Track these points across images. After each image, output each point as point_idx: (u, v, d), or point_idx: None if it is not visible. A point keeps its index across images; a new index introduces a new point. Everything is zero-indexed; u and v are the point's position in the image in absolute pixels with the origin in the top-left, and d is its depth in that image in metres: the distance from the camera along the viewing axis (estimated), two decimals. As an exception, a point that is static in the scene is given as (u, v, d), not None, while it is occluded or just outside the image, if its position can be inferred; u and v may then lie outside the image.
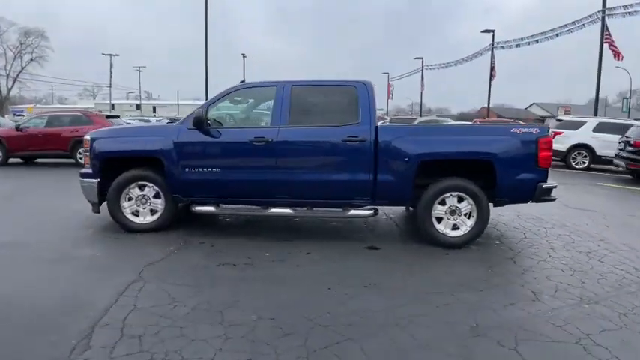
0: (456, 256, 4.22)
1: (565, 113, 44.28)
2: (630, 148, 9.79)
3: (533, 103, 59.96)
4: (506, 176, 4.25)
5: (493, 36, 24.88)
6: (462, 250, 4.39)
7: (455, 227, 4.44)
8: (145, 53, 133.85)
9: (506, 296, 3.31)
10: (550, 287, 3.49)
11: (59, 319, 2.78)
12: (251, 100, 4.97)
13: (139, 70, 55.00)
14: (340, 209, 4.62)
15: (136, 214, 4.82)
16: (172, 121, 21.91)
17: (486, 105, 60.87)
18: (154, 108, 60.24)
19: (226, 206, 4.76)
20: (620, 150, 10.15)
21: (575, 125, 12.75)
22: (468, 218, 4.41)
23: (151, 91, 72.25)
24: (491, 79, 25.82)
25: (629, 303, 3.21)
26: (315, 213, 4.68)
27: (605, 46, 17.48)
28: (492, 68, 25.33)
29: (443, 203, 4.41)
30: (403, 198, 4.50)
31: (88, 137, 4.89)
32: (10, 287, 3.31)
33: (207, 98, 22.54)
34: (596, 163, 12.30)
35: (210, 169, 4.60)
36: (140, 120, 17.63)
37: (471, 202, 4.36)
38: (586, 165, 12.37)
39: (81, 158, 11.02)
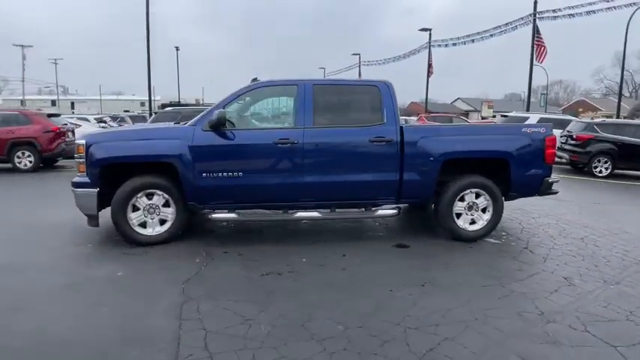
0: (480, 249, 4.47)
1: (489, 107, 48.54)
2: (572, 142, 11.07)
3: (458, 98, 64.71)
4: (519, 172, 4.59)
5: (430, 34, 26.47)
6: (479, 242, 4.66)
7: (472, 222, 4.70)
8: (62, 45, 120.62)
9: (546, 284, 3.58)
10: (574, 272, 3.85)
11: (131, 355, 2.45)
12: (268, 100, 4.75)
13: (55, 63, 49.34)
14: (363, 209, 4.64)
15: (143, 225, 4.38)
16: (114, 119, 19.95)
17: (415, 100, 64.43)
18: (72, 104, 54.56)
19: (248, 212, 4.53)
20: (562, 143, 11.41)
21: (519, 121, 14.07)
22: (484, 213, 4.69)
23: (68, 86, 65.23)
24: (428, 76, 27.44)
25: (645, 281, 3.67)
26: (342, 214, 4.65)
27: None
28: (430, 65, 26.92)
29: (462, 199, 4.64)
30: (427, 196, 4.64)
31: (82, 141, 4.32)
32: (45, 322, 2.82)
33: (150, 95, 20.99)
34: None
35: (230, 174, 4.32)
36: (78, 119, 15.68)
37: (488, 197, 4.64)
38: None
39: (19, 162, 9.70)
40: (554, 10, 19.17)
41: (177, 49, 36.10)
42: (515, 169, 4.58)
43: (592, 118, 15.87)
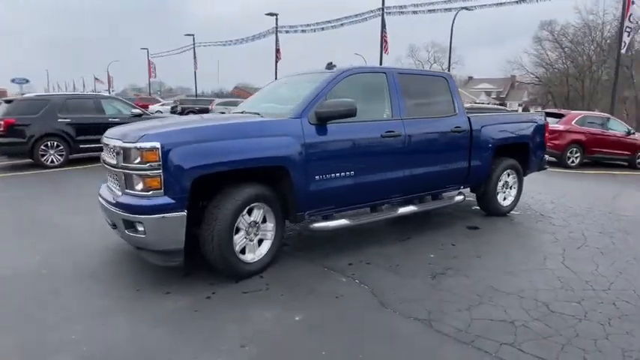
0: (523, 225, 5.21)
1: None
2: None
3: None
4: (534, 153, 5.55)
5: (277, 19, 26.58)
6: (514, 218, 5.44)
7: (504, 199, 5.43)
8: None
9: (607, 256, 4.08)
10: (611, 244, 4.42)
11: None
12: (357, 88, 4.09)
13: None
14: (442, 198, 4.75)
15: (242, 250, 3.30)
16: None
17: (239, 85, 63.77)
18: None
19: (360, 215, 3.97)
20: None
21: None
22: (511, 190, 5.49)
23: None
24: (277, 61, 27.66)
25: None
26: (430, 205, 4.60)
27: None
28: (277, 50, 27.13)
29: (500, 179, 5.29)
30: (483, 180, 5.07)
31: (153, 144, 2.86)
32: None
33: None
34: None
35: (342, 174, 3.69)
36: None
37: (515, 176, 5.44)
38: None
39: None
40: (400, 7, 22.27)
41: None
42: (532, 151, 5.51)
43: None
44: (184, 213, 2.94)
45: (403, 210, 4.26)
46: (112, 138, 3.22)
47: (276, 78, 30.60)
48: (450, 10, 22.98)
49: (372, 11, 22.97)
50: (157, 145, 2.86)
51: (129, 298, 3.00)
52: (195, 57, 33.71)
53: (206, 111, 23.36)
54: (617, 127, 11.21)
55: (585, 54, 35.33)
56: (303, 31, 25.89)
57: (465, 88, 62.55)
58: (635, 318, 2.87)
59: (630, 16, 14.18)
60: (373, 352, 2.42)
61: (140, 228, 2.93)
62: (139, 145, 2.87)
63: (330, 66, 4.15)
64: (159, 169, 2.86)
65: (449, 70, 26.77)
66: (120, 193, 3.09)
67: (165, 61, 70.63)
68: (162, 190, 2.89)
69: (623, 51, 15.26)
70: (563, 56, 37.38)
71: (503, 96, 64.86)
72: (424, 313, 2.87)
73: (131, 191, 2.97)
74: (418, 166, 4.28)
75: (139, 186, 2.92)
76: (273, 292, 3.12)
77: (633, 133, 11.20)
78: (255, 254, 3.38)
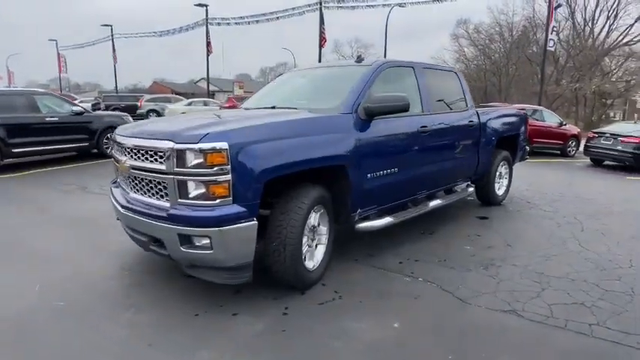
0: (521, 213, 5.53)
1: (240, 88, 51.05)
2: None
3: (202, 78, 64.42)
4: (520, 145, 5.94)
5: (207, 10, 25.12)
6: (509, 207, 5.77)
7: (499, 189, 5.73)
8: None
9: (609, 237, 4.48)
10: (603, 226, 4.85)
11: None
12: (389, 82, 3.92)
13: None
14: (456, 191, 4.85)
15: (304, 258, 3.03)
16: None
17: (158, 80, 59.60)
18: None
19: (401, 213, 3.86)
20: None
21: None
22: (504, 180, 5.82)
23: None
24: (208, 55, 26.21)
25: None
26: (452, 198, 4.66)
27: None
28: (208, 44, 25.69)
29: (497, 171, 5.57)
30: (487, 171, 5.29)
31: (219, 144, 2.46)
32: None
33: None
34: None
35: (388, 171, 3.58)
36: None
37: (507, 167, 5.78)
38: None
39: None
40: (338, 1, 22.31)
41: None
42: (519, 142, 5.89)
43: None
44: (256, 222, 2.60)
45: (432, 204, 4.27)
46: (149, 138, 2.73)
47: (208, 74, 29.18)
48: (387, 5, 23.81)
49: (309, 5, 22.91)
50: (225, 145, 2.47)
51: (192, 325, 2.58)
52: (114, 49, 30.68)
53: (134, 108, 21.47)
54: (550, 119, 12.54)
55: (500, 51, 39.02)
56: (236, 23, 24.95)
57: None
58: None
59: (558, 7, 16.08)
60: (496, 348, 2.36)
61: (203, 243, 2.53)
62: (201, 146, 2.46)
63: (359, 59, 3.99)
64: (227, 173, 2.48)
65: None
66: (167, 204, 2.63)
67: (70, 55, 63.37)
68: (230, 198, 2.51)
69: (552, 49, 17.22)
70: (479, 53, 40.96)
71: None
72: (504, 304, 2.89)
73: (189, 201, 2.54)
74: (443, 160, 4.33)
75: (201, 194, 2.51)
76: (349, 300, 2.91)
77: (565, 124, 12.63)
78: (314, 261, 3.12)
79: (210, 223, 2.48)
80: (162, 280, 3.20)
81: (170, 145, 2.54)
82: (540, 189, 7.00)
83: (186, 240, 2.57)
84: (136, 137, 2.87)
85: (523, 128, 5.98)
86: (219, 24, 25.67)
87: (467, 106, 4.77)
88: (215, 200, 2.50)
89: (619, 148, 9.79)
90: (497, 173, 5.56)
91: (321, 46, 23.59)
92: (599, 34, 33.04)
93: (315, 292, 3.01)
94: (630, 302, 2.96)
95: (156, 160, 2.66)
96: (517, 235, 4.46)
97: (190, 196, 2.54)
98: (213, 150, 2.46)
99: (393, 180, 3.65)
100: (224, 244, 2.51)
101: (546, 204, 5.92)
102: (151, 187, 2.77)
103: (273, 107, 3.72)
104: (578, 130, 13.32)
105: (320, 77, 4.18)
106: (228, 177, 2.48)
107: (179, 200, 2.57)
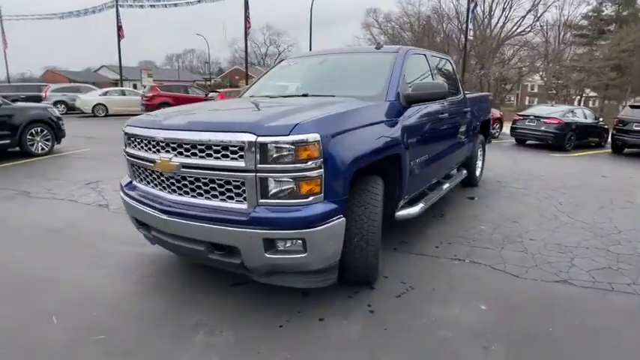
0: (500, 192, 6.00)
1: (149, 76, 46.90)
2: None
3: (103, 66, 58.07)
4: (491, 127, 6.42)
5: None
6: (484, 186, 6.22)
7: (477, 170, 6.15)
8: None
9: (585, 207, 5.16)
10: (574, 199, 5.57)
11: None
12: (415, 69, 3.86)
13: None
14: (454, 175, 5.08)
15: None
16: None
17: (50, 68, 52.24)
18: None
19: (429, 198, 3.90)
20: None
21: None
22: (479, 162, 6.25)
23: None
24: (119, 40, 23.41)
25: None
26: (454, 180, 4.83)
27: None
28: (120, 28, 22.92)
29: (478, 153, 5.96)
30: (475, 154, 5.61)
31: (311, 136, 2.23)
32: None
33: None
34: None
35: (424, 157, 3.61)
36: None
37: (482, 149, 6.21)
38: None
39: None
40: None
41: None
42: (490, 126, 6.36)
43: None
44: (344, 219, 2.43)
45: (445, 187, 4.41)
46: (212, 130, 2.36)
47: (120, 61, 26.35)
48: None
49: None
50: (317, 136, 2.25)
51: (282, 338, 2.34)
52: (3, 32, 25.78)
53: (37, 99, 18.51)
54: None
55: (412, 40, 41.37)
56: (152, 6, 22.72)
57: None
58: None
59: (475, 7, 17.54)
60: (574, 315, 2.55)
61: (293, 246, 2.29)
62: (293, 138, 2.20)
63: (379, 46, 3.91)
64: (320, 167, 2.27)
65: (279, 55, 27.34)
66: (244, 206, 2.33)
67: None
68: (322, 195, 2.31)
69: (471, 38, 18.78)
70: (389, 42, 42.92)
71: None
72: (552, 275, 3.15)
73: (273, 200, 2.28)
74: (454, 144, 4.50)
75: (289, 192, 2.26)
76: (421, 290, 2.90)
77: (491, 109, 13.98)
78: (375, 253, 3.03)
79: (303, 224, 2.25)
80: (203, 292, 2.85)
81: (250, 138, 2.23)
82: (495, 169, 7.65)
83: (271, 245, 2.30)
84: (186, 130, 2.46)
85: (490, 112, 6.48)
86: (131, 6, 23.13)
87: (460, 92, 5.00)
88: (306, 198, 2.28)
89: (542, 128, 11.15)
90: (479, 155, 5.97)
91: (246, 31, 22.72)
92: (496, 24, 36.68)
93: (384, 285, 2.94)
94: (641, 262, 3.43)
95: (226, 156, 2.32)
96: (513, 212, 4.84)
97: (275, 195, 2.27)
98: (306, 142, 2.22)
99: (426, 165, 3.69)
100: (318, 245, 2.31)
101: (513, 182, 6.53)
102: (215, 188, 2.42)
103: (305, 95, 3.48)
104: (501, 113, 14.83)
105: (340, 64, 4.00)
106: (321, 171, 2.28)
107: (260, 201, 2.29)
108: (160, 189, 2.68)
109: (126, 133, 2.94)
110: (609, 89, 35.61)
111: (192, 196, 2.52)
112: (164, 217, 2.54)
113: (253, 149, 2.23)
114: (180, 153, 2.48)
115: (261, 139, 2.22)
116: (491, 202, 5.24)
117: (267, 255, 2.31)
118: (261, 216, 2.27)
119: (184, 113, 2.82)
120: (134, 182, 2.99)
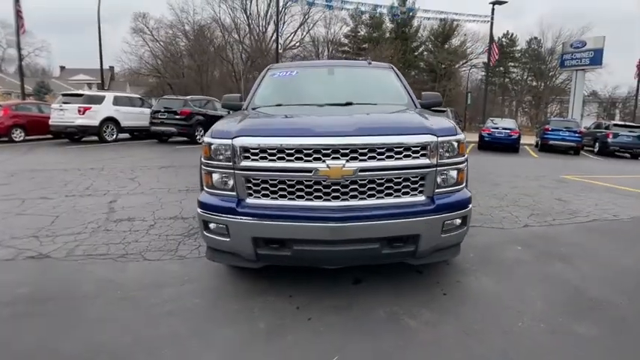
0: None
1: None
2: (178, 116, 13.03)
3: None
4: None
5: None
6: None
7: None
8: None
9: (562, 189, 7.34)
10: (537, 180, 7.86)
11: None
12: None
13: None
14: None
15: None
16: None
17: None
18: None
19: None
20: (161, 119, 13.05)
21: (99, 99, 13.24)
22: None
23: None
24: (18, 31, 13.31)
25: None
26: None
27: None
28: (18, 12, 13.14)
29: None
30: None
31: (462, 136, 2.86)
32: None
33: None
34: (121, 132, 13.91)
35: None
36: None
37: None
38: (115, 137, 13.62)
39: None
40: None
41: None
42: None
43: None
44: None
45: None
46: (393, 134, 2.65)
47: (20, 55, 15.23)
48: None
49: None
50: (461, 137, 2.90)
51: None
52: None
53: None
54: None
55: (187, 48, 40.10)
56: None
57: (61, 80, 54.53)
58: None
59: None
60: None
61: (459, 223, 2.85)
62: (459, 137, 2.80)
63: (370, 62, 4.59)
64: (467, 160, 2.94)
65: (21, 60, 21.88)
66: (422, 198, 2.72)
67: None
68: (465, 182, 2.98)
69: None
70: (164, 49, 40.12)
71: (107, 87, 61.46)
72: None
73: (444, 189, 2.79)
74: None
75: (454, 181, 2.84)
76: (452, 280, 3.83)
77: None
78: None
79: (466, 204, 2.87)
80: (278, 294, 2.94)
81: (432, 138, 2.67)
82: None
83: (445, 226, 2.79)
84: (358, 135, 2.60)
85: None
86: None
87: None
88: (461, 184, 2.89)
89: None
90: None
91: (18, 28, 17.60)
92: (271, 37, 39.93)
93: (419, 279, 3.25)
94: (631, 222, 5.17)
95: (408, 156, 2.65)
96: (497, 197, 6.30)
97: (443, 184, 2.79)
98: (462, 141, 2.85)
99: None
100: (469, 219, 2.96)
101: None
102: (391, 187, 2.68)
103: (349, 104, 3.73)
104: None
105: (351, 76, 4.36)
106: (467, 163, 2.95)
107: (436, 191, 2.76)
108: (314, 197, 2.62)
109: (243, 147, 2.65)
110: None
111: (362, 198, 2.64)
112: (332, 224, 2.53)
113: (435, 148, 2.68)
114: (354, 158, 2.59)
115: (441, 139, 2.70)
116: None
117: (442, 236, 2.78)
118: (443, 202, 2.74)
119: (340, 119, 2.95)
120: (248, 200, 2.72)
